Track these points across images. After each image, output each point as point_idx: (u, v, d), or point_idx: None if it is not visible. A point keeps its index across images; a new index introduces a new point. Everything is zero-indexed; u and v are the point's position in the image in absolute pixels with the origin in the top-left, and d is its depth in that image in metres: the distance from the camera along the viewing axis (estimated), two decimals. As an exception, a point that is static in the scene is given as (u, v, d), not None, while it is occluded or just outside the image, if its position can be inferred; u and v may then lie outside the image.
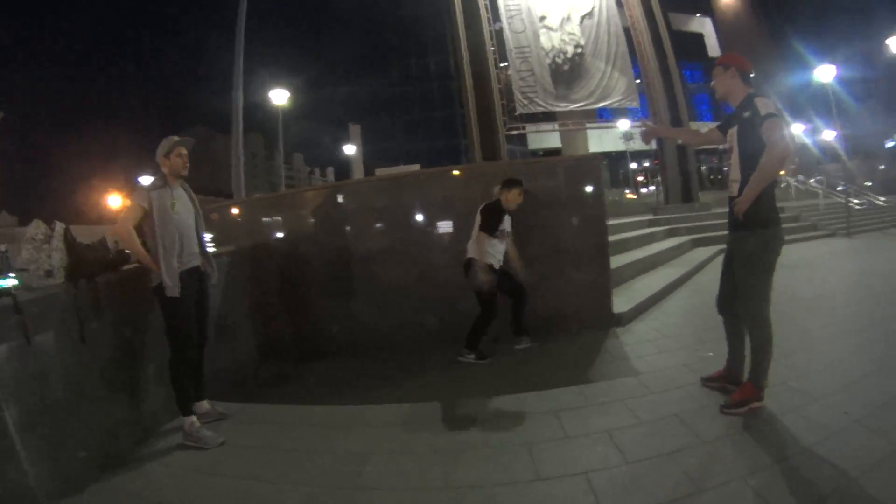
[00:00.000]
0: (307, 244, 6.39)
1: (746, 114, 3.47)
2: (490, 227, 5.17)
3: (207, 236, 4.41)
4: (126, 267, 4.05)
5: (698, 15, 52.39)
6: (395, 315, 6.07)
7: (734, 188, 3.59)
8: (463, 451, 3.41)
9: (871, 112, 44.59)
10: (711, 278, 8.76)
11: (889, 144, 44.41)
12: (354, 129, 61.40)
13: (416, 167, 12.14)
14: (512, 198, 5.28)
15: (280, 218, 6.68)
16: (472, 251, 5.22)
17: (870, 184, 28.32)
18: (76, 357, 3.43)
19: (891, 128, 43.28)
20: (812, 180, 25.06)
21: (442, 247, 6.03)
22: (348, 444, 3.67)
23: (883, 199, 22.35)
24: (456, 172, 6.33)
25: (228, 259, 5.69)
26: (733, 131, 3.59)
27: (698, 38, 52.53)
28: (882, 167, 36.61)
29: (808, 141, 40.86)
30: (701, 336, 5.40)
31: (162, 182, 4.02)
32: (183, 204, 4.07)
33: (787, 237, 11.41)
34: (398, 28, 61.14)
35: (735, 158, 3.59)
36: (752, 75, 3.67)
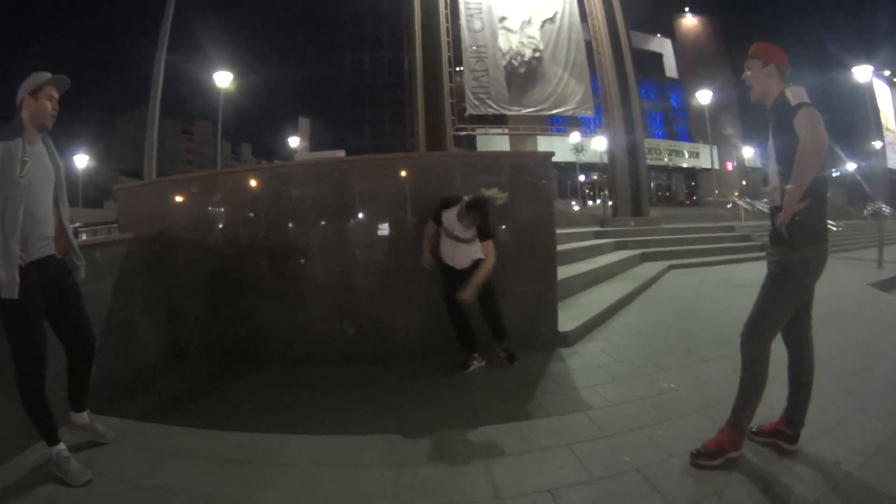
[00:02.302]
0: (218, 234, 5.49)
1: (778, 110, 2.84)
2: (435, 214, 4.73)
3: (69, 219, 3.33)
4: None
5: (658, 35, 53.23)
6: (314, 320, 5.24)
7: (775, 196, 2.93)
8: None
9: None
10: (663, 295, 8.52)
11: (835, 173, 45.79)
12: (304, 122, 60.46)
13: (340, 153, 11.31)
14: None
15: (190, 203, 5.70)
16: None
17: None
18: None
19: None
20: (759, 202, 25.33)
21: (365, 245, 5.20)
22: (227, 486, 2.86)
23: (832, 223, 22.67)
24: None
25: (126, 248, 4.81)
26: (770, 133, 2.94)
27: (657, 58, 53.40)
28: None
29: (759, 164, 41.78)
30: (658, 362, 4.77)
31: (14, 132, 2.94)
32: (39, 166, 3.02)
33: (734, 256, 11.05)
34: (354, 21, 59.76)
35: (772, 163, 2.94)
36: (788, 72, 3.00)
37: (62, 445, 3.02)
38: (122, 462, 3.17)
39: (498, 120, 21.01)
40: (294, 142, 51.30)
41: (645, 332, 5.98)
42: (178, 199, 5.77)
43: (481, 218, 4.51)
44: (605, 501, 2.58)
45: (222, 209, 5.57)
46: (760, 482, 2.70)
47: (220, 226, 5.50)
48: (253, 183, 5.51)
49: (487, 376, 4.57)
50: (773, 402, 3.00)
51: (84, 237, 10.66)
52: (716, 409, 3.44)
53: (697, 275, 10.75)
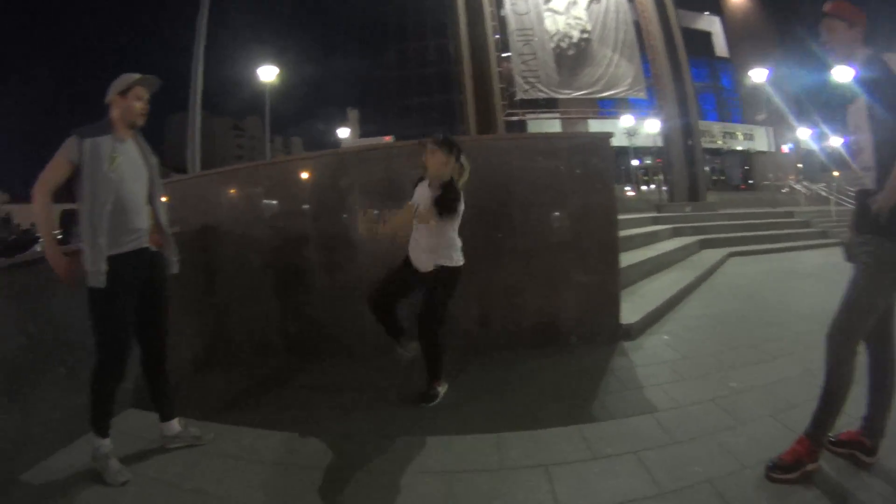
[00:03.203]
0: (264, 225, 5.35)
1: (875, 79, 2.45)
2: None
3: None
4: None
5: (707, 13, 51.16)
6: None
7: (867, 179, 2.56)
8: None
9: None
10: (725, 285, 8.08)
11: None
12: (353, 113, 60.64)
13: (387, 139, 11.10)
14: (430, 163, 3.90)
15: (235, 195, 5.60)
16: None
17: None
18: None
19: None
20: (817, 186, 24.13)
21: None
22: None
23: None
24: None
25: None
26: (857, 105, 2.57)
27: (706, 37, 51.33)
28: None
29: (814, 146, 39.90)
30: (725, 358, 4.42)
31: (105, 129, 3.04)
32: (130, 163, 3.10)
33: (796, 244, 10.43)
34: (399, 10, 59.52)
35: (866, 139, 2.55)
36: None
37: (108, 441, 3.00)
38: (161, 462, 3.12)
39: (548, 104, 20.58)
40: (344, 132, 51.65)
41: (709, 324, 5.61)
42: (223, 191, 5.67)
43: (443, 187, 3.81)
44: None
45: (269, 200, 5.44)
46: (838, 499, 2.40)
47: (267, 217, 5.37)
48: (299, 172, 5.36)
49: (546, 372, 4.29)
50: (848, 408, 2.64)
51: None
52: (788, 413, 3.17)
53: (759, 263, 10.26)
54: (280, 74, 21.55)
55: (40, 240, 3.19)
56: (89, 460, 2.97)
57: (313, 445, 3.23)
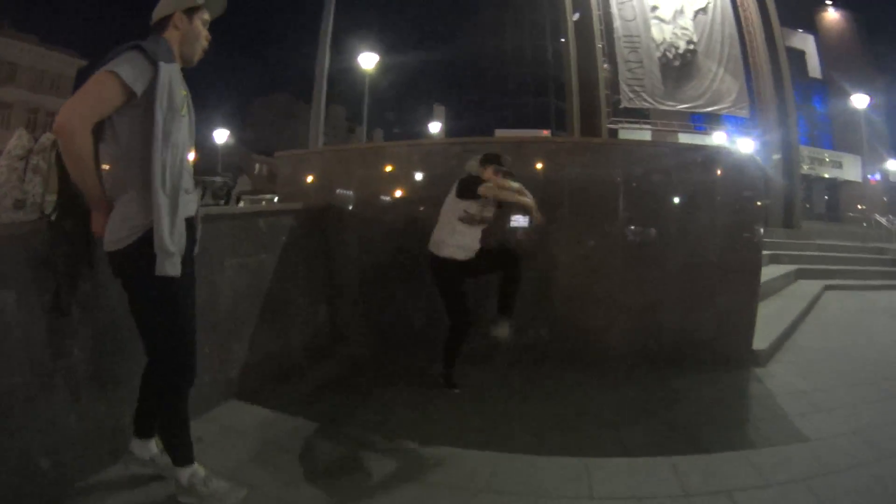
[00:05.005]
0: (390, 210, 5.30)
1: None
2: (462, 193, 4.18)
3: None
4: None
5: (800, 31, 49.04)
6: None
7: None
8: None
9: None
10: (830, 318, 7.99)
11: None
12: (439, 109, 60.73)
13: (544, 133, 11.04)
14: (488, 177, 4.13)
15: (362, 175, 5.49)
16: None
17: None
18: (45, 335, 2.33)
19: None
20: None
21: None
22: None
23: None
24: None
25: (293, 219, 4.69)
26: None
27: (799, 56, 49.17)
28: None
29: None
30: (855, 392, 4.46)
31: (169, 54, 2.23)
32: (189, 108, 2.38)
33: (887, 282, 10.13)
34: (495, 8, 58.99)
35: None
36: None
37: (197, 465, 2.42)
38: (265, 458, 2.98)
39: (635, 114, 20.32)
40: (435, 127, 52.01)
41: (829, 357, 5.61)
42: (350, 170, 5.59)
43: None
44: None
45: (397, 185, 5.35)
46: None
47: (394, 202, 5.29)
48: (430, 158, 5.37)
49: (691, 394, 4.38)
50: None
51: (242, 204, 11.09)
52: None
53: (856, 298, 9.99)
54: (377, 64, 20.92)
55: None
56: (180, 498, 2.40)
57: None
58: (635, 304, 4.90)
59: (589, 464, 3.09)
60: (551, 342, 4.89)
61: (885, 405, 4.20)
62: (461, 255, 4.17)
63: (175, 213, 2.16)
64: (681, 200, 4.97)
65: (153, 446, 2.54)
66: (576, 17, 16.75)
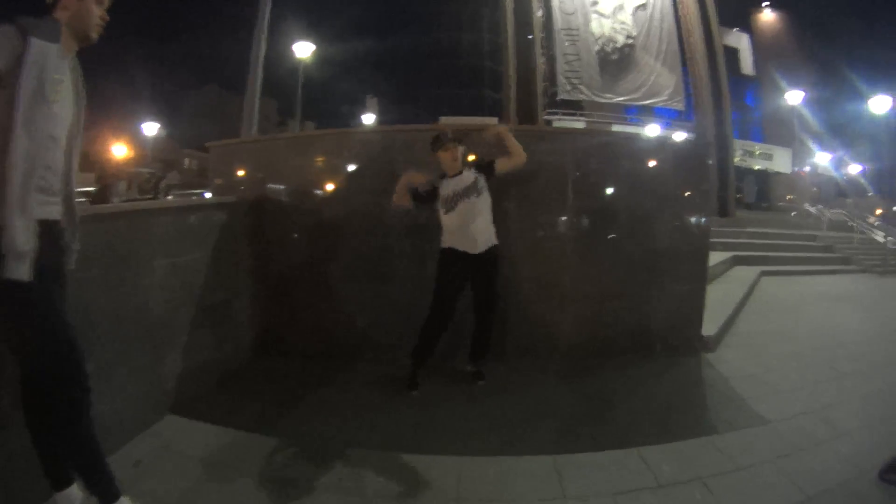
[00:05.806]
0: (335, 203, 4.89)
1: None
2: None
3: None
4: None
5: (736, 29, 50.83)
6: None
7: None
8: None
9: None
10: (769, 303, 8.21)
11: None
12: (371, 101, 60.20)
13: (493, 120, 10.76)
14: (443, 159, 4.05)
15: (302, 165, 5.05)
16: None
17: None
18: None
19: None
20: (832, 212, 24.10)
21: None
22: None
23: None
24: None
25: (226, 214, 4.28)
26: None
27: (733, 53, 50.99)
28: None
29: (833, 172, 39.87)
30: (805, 374, 4.58)
31: (54, 34, 2.00)
32: (68, 93, 2.10)
33: (821, 268, 10.64)
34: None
35: None
36: None
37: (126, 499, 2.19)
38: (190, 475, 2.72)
39: (571, 106, 20.51)
40: (369, 119, 51.48)
41: (776, 340, 5.78)
42: (289, 160, 5.13)
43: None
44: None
45: (337, 175, 4.95)
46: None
47: (334, 193, 4.92)
48: (371, 147, 4.97)
49: (648, 383, 4.32)
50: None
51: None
52: (886, 425, 3.45)
53: (791, 284, 10.45)
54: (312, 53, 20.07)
55: None
56: None
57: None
58: (587, 294, 4.78)
59: (558, 461, 2.98)
60: (506, 336, 4.69)
61: (838, 384, 4.36)
62: (460, 245, 3.99)
63: (23, 209, 1.87)
64: (630, 189, 4.86)
65: (74, 492, 2.19)
66: (514, 7, 16.78)
